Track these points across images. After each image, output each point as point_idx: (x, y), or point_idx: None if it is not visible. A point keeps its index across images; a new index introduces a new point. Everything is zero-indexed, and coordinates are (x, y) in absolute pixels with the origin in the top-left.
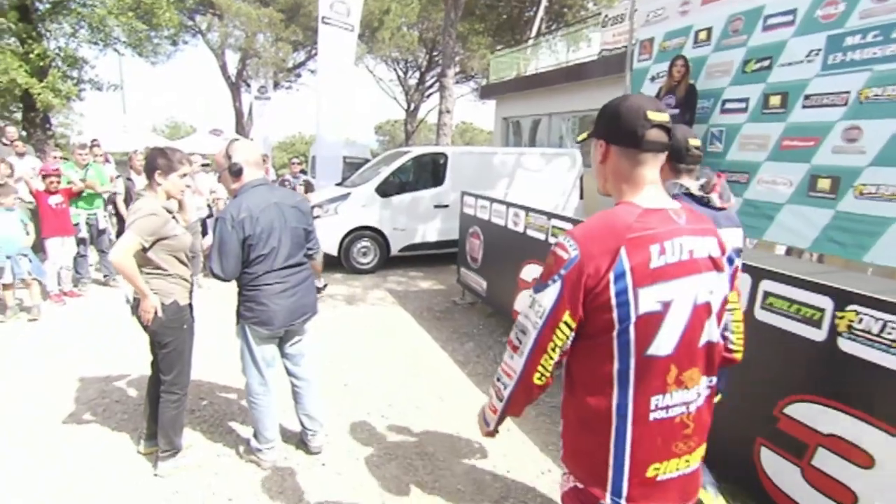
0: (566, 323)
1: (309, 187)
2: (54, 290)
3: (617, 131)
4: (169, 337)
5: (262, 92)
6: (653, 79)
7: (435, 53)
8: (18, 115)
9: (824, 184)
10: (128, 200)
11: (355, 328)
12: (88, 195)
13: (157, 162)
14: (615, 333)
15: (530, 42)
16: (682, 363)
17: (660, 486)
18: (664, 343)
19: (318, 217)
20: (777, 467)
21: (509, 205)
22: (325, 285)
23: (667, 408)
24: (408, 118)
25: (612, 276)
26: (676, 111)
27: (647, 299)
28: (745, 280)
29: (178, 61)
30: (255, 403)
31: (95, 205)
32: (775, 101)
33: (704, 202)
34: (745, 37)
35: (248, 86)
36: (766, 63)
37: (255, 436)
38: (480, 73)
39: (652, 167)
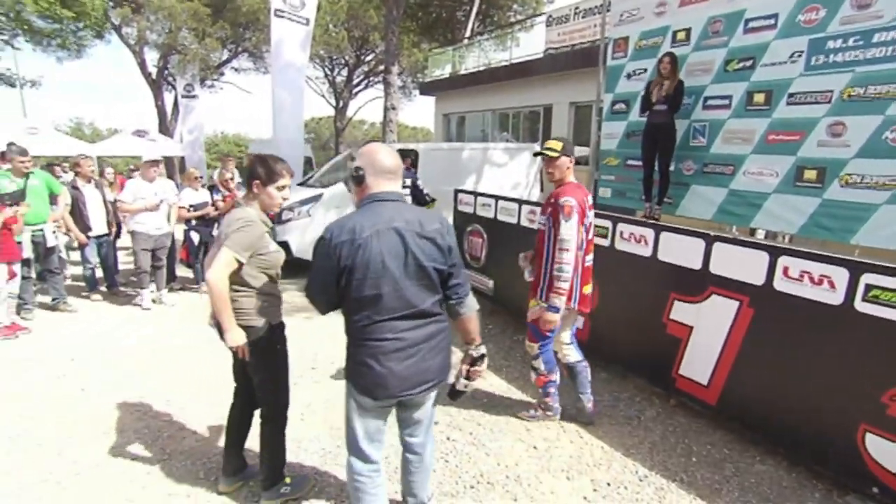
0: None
1: None
2: (4, 322)
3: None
4: (263, 362)
5: (189, 90)
6: (629, 76)
7: (362, 52)
8: None
9: (811, 174)
10: (74, 212)
11: None
12: (34, 209)
13: (258, 171)
14: (583, 235)
15: (465, 41)
16: (587, 249)
17: (584, 297)
18: (584, 238)
19: (289, 220)
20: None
21: (522, 202)
22: (483, 355)
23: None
24: (337, 115)
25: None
26: (664, 107)
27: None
28: (842, 275)
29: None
30: (358, 490)
31: (41, 218)
32: (759, 98)
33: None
34: (725, 38)
35: (170, 84)
36: (749, 63)
37: None
38: (408, 71)
39: None
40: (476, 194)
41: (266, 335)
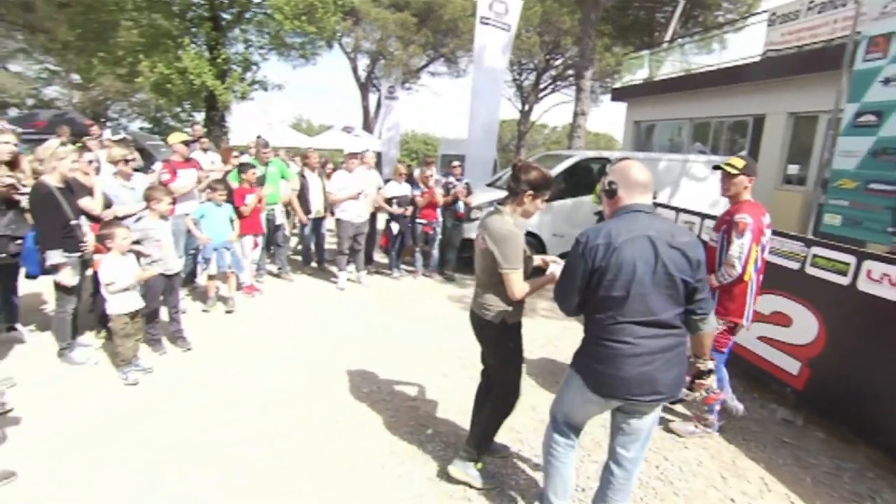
0: (753, 248)
1: (469, 190)
2: (246, 283)
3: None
4: (499, 352)
5: (391, 92)
6: (886, 81)
7: (552, 56)
8: (197, 116)
9: None
10: (300, 196)
11: (555, 346)
12: (270, 191)
13: (538, 181)
14: (758, 253)
15: (665, 44)
16: (761, 268)
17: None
18: (759, 257)
19: (476, 220)
20: None
21: None
22: (711, 371)
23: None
24: (521, 119)
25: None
26: None
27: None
28: None
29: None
30: (551, 456)
31: (274, 200)
32: None
33: None
34: None
35: (374, 86)
36: None
37: (541, 498)
38: (597, 76)
39: None
40: (678, 210)
41: (501, 331)
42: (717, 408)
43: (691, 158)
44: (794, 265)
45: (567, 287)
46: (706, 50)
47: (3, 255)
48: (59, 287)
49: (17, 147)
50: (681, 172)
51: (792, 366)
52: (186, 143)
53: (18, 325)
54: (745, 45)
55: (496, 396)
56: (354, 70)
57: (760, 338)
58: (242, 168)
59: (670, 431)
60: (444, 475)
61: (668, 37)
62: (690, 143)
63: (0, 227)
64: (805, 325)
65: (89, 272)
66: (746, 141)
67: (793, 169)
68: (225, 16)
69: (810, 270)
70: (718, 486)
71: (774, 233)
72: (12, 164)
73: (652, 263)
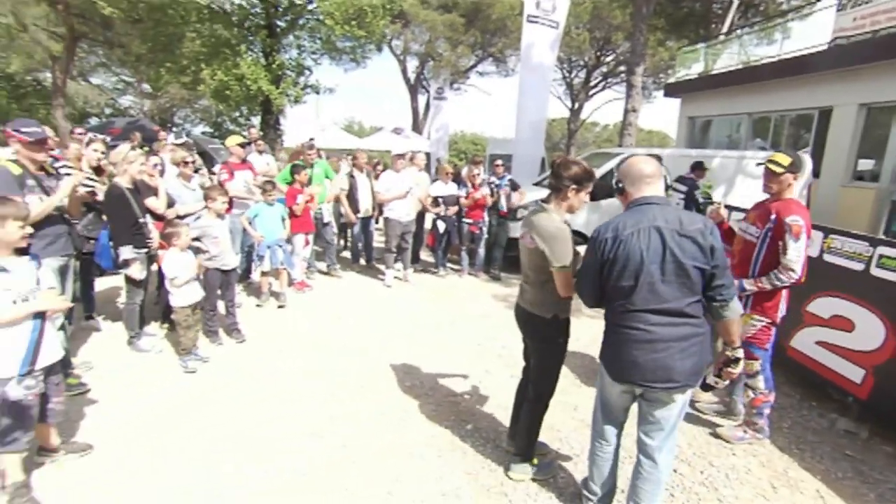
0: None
1: (515, 186)
2: (298, 279)
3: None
4: (544, 349)
5: (440, 93)
6: None
7: (602, 53)
8: (253, 119)
9: None
10: (349, 196)
11: (599, 345)
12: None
13: (580, 175)
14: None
15: (722, 36)
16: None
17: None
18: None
19: (523, 218)
20: None
21: None
22: (739, 359)
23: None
24: (571, 117)
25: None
26: None
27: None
28: None
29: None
30: (592, 447)
31: (321, 199)
32: None
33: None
34: None
35: (424, 87)
36: None
37: (585, 481)
38: (650, 71)
39: None
40: (731, 208)
41: (552, 326)
42: (767, 411)
43: (748, 155)
44: (858, 266)
45: (584, 281)
46: (767, 40)
47: (75, 252)
48: (129, 280)
49: (103, 155)
50: (736, 170)
51: (855, 373)
52: (242, 146)
53: (95, 315)
54: (810, 33)
55: (531, 397)
56: (404, 72)
57: (819, 343)
58: (295, 169)
59: (717, 437)
60: (506, 473)
61: (725, 28)
62: (749, 139)
63: (80, 228)
64: (870, 331)
65: (154, 267)
66: (811, 136)
67: (865, 164)
68: (279, 23)
69: (876, 272)
70: (768, 496)
71: (835, 231)
72: (98, 170)
73: (660, 253)
